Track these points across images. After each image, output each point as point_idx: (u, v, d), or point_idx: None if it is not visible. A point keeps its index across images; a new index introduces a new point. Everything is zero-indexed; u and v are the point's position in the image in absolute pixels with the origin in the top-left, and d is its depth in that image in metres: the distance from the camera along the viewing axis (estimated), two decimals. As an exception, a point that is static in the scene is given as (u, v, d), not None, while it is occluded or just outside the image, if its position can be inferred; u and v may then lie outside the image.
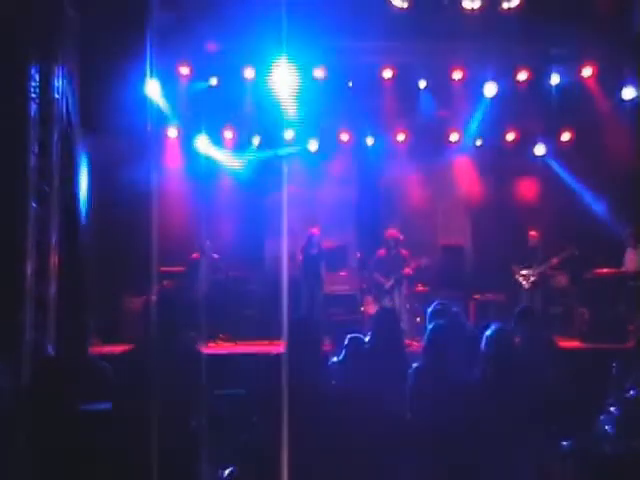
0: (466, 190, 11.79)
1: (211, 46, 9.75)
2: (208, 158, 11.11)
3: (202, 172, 11.03)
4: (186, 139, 10.98)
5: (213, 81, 10.18)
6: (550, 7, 9.32)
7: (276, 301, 10.27)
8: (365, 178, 11.88)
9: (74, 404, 4.46)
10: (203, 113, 10.62)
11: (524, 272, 9.77)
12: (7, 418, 4.51)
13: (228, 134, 11.02)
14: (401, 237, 9.62)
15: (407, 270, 9.43)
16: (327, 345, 8.41)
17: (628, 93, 10.11)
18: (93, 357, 4.82)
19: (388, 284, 9.38)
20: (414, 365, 4.53)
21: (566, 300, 10.23)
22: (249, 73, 10.06)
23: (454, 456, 3.88)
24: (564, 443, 4.70)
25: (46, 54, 5.64)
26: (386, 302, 9.23)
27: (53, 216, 6.16)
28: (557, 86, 10.34)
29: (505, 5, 9.36)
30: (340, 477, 3.80)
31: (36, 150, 5.17)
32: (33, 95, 5.15)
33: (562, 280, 10.38)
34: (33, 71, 5.17)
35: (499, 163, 11.54)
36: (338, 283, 10.07)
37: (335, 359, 4.94)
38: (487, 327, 4.46)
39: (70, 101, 6.72)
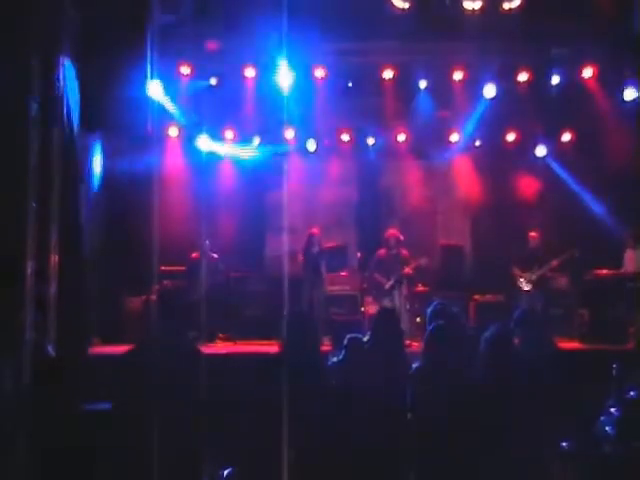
0: (466, 190, 11.79)
1: (211, 45, 9.75)
2: (209, 157, 11.12)
3: (203, 171, 11.05)
4: (187, 138, 10.99)
5: (213, 80, 10.17)
6: (551, 7, 9.33)
7: (276, 301, 10.35)
8: (365, 178, 11.89)
9: (74, 404, 4.47)
10: (204, 112, 10.64)
11: (524, 274, 9.75)
12: (7, 418, 4.51)
13: (229, 133, 11.02)
14: (401, 237, 9.61)
15: (407, 270, 9.43)
16: (327, 345, 8.45)
17: (629, 94, 10.10)
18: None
19: (388, 284, 9.37)
20: (414, 365, 4.54)
21: (566, 301, 10.22)
22: (249, 72, 10.06)
23: (454, 456, 3.87)
24: (564, 444, 4.70)
25: (47, 53, 5.63)
26: (386, 302, 9.21)
27: (53, 216, 6.16)
28: (558, 87, 10.33)
29: (506, 5, 9.37)
30: (340, 477, 3.80)
31: (36, 149, 5.16)
32: (34, 94, 5.15)
33: (562, 281, 10.37)
34: (34, 70, 5.16)
35: (499, 163, 11.55)
36: (338, 283, 10.07)
37: (335, 359, 4.93)
38: (487, 328, 4.46)
39: (71, 100, 6.72)
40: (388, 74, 10.30)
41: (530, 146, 11.49)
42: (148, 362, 4.16)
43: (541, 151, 11.44)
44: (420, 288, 10.21)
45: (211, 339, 9.05)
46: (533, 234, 10.07)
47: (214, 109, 10.52)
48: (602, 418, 4.69)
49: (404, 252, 9.54)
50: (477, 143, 11.52)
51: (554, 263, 9.69)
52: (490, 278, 10.33)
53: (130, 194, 9.97)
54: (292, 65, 9.68)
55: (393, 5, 9.16)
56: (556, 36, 9.52)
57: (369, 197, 11.81)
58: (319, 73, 10.16)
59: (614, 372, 5.15)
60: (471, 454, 3.86)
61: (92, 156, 9.16)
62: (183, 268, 9.77)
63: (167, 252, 10.43)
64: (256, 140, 11.13)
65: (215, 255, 9.77)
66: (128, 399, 4.23)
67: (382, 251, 9.58)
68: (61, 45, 6.39)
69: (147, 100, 7.10)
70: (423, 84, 10.48)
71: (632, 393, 4.54)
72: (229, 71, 10.14)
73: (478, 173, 11.71)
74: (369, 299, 9.71)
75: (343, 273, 10.52)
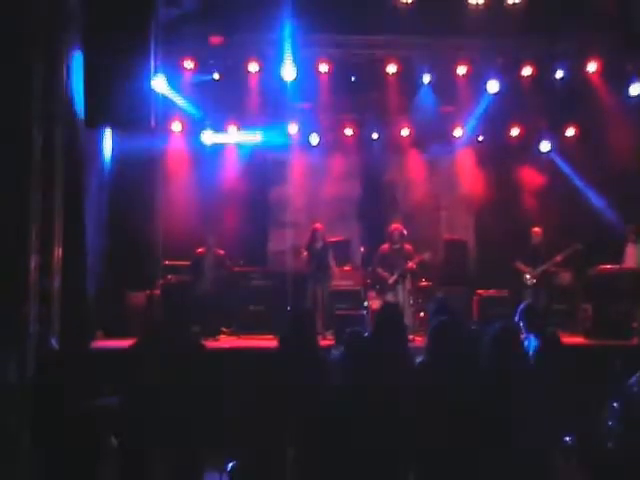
0: (470, 185, 11.77)
1: (215, 40, 9.74)
2: (213, 150, 11.12)
3: (207, 166, 11.04)
4: (191, 132, 10.99)
5: (217, 75, 10.16)
6: (555, 2, 9.31)
7: (280, 296, 10.35)
8: (369, 173, 11.87)
9: (77, 397, 4.48)
10: (208, 106, 10.63)
11: (528, 269, 9.74)
12: (11, 410, 4.53)
13: (232, 128, 11.02)
14: (405, 232, 9.59)
15: (411, 265, 9.41)
16: (329, 339, 8.46)
17: (634, 89, 10.06)
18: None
19: (392, 279, 9.36)
20: (417, 360, 4.53)
21: (570, 297, 10.22)
22: (253, 67, 10.05)
23: (456, 453, 3.87)
24: (567, 439, 4.70)
25: (50, 50, 5.63)
26: (389, 297, 9.20)
27: (57, 210, 6.17)
28: (562, 81, 10.30)
29: (510, 0, 9.35)
30: (342, 474, 3.80)
31: (40, 146, 5.17)
32: (37, 89, 5.15)
33: (566, 277, 10.35)
34: (37, 65, 5.16)
35: (503, 159, 11.54)
36: (342, 278, 10.05)
37: (336, 352, 4.93)
38: (490, 324, 4.46)
39: (74, 96, 6.72)
40: (392, 68, 10.28)
41: (534, 141, 11.48)
42: (151, 356, 4.18)
43: (545, 146, 11.42)
44: (424, 283, 10.20)
45: (215, 334, 9.05)
46: (537, 229, 10.04)
47: (218, 103, 10.52)
48: (605, 413, 4.69)
49: (408, 247, 9.52)
50: (480, 138, 11.51)
51: (558, 258, 9.67)
52: (494, 273, 10.32)
53: (134, 189, 9.97)
54: (295, 59, 9.66)
55: (398, -1, 9.16)
56: (560, 31, 9.49)
57: (372, 192, 11.79)
58: (322, 67, 10.15)
59: (617, 367, 5.15)
60: (474, 450, 3.85)
61: (96, 150, 9.15)
62: (187, 263, 9.77)
63: (171, 247, 10.49)
64: (259, 133, 11.13)
65: (221, 251, 9.76)
66: (131, 393, 4.25)
67: (385, 246, 9.56)
68: (64, 41, 6.38)
69: (152, 94, 7.09)
70: (427, 78, 10.46)
71: (635, 388, 4.52)
72: (233, 65, 10.13)
73: (482, 168, 11.69)
74: (372, 294, 9.68)
75: (346, 268, 10.51)
